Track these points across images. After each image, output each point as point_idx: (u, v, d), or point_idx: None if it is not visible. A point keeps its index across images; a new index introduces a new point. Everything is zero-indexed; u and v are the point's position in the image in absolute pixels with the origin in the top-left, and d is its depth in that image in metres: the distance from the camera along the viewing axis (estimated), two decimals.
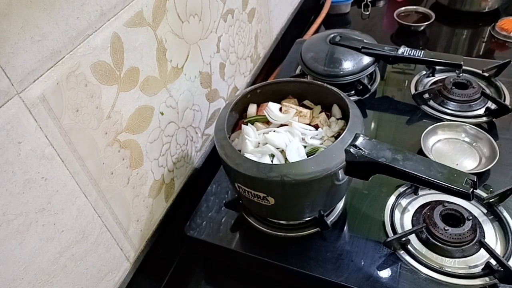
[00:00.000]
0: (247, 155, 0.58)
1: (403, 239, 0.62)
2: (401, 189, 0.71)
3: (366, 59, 0.88)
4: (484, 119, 0.83)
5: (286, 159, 0.59)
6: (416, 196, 0.70)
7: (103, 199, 0.55)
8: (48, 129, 0.44)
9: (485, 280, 0.58)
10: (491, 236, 0.63)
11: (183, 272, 0.75)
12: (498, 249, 0.62)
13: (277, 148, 0.60)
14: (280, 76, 1.04)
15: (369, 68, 0.89)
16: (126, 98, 0.56)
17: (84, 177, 0.51)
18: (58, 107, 0.45)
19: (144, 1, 0.56)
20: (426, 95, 0.88)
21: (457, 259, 0.61)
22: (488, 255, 0.60)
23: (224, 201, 0.73)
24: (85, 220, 0.53)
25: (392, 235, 0.64)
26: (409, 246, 0.63)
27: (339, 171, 0.55)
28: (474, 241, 0.62)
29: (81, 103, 0.48)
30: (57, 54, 0.44)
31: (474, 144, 0.78)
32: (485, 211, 0.67)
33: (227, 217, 0.72)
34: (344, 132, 0.56)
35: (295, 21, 1.25)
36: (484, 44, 1.14)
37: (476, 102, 0.86)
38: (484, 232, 0.64)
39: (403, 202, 0.70)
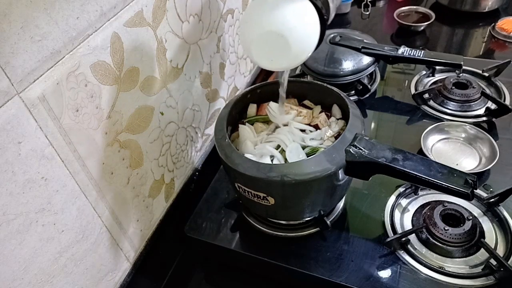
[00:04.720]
0: (247, 155, 0.58)
1: (403, 239, 0.62)
2: (401, 189, 0.71)
3: (366, 59, 0.88)
4: (484, 119, 0.83)
5: (286, 159, 0.59)
6: (416, 196, 0.70)
7: (103, 199, 0.55)
8: (48, 129, 0.44)
9: (485, 280, 0.58)
10: (491, 236, 0.63)
11: (183, 272, 0.75)
12: (498, 249, 0.62)
13: (277, 148, 0.60)
14: None
15: (369, 68, 0.89)
16: (126, 98, 0.56)
17: (84, 177, 0.51)
18: (58, 107, 0.45)
19: (144, 1, 0.56)
20: (426, 95, 0.88)
21: (457, 259, 0.61)
22: (488, 255, 0.60)
23: (224, 201, 0.73)
24: (85, 220, 0.53)
25: (392, 235, 0.64)
26: (409, 246, 0.63)
27: (339, 171, 0.55)
28: (474, 241, 0.62)
29: (81, 103, 0.48)
30: (57, 54, 0.44)
31: (474, 144, 0.78)
32: (485, 211, 0.67)
33: (227, 217, 0.72)
34: (344, 132, 0.56)
35: None
36: (484, 44, 1.14)
37: (476, 102, 0.86)
38: (484, 232, 0.64)
39: (403, 202, 0.70)
